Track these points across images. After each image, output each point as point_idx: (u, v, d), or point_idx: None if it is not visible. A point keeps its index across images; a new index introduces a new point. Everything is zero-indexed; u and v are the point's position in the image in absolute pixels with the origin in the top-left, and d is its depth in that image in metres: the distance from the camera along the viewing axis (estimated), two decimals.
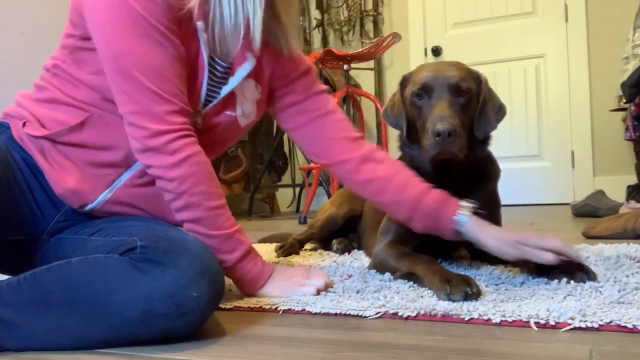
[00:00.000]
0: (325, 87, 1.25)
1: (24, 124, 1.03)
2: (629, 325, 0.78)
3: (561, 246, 1.04)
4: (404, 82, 1.29)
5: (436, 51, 3.87)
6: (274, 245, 1.84)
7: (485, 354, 0.72)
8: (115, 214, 1.06)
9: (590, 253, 1.37)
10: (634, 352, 0.70)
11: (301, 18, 4.14)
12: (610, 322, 0.79)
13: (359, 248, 1.68)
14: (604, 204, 2.50)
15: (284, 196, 4.18)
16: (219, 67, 1.09)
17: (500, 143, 3.42)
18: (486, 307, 0.89)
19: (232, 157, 3.75)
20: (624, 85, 2.60)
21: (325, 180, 3.21)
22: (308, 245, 1.84)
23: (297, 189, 4.04)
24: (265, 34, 1.05)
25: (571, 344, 0.74)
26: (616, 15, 3.35)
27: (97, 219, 1.05)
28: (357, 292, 1.06)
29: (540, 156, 3.65)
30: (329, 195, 2.85)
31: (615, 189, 3.00)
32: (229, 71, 1.10)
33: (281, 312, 0.99)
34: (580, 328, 0.79)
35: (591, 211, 2.53)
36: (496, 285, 1.06)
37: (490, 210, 1.29)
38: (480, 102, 1.19)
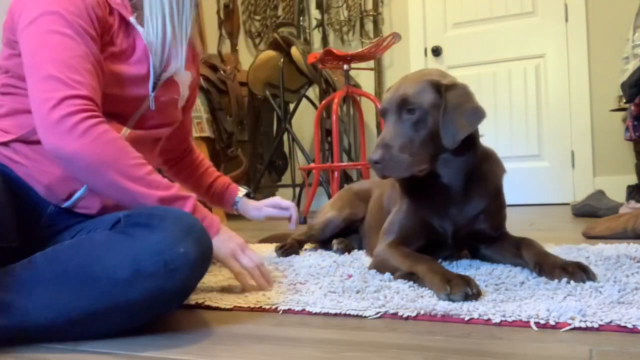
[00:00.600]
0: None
1: None
2: (629, 325, 0.78)
3: (288, 204, 1.55)
4: None
5: (436, 51, 3.87)
6: (274, 245, 1.84)
7: (485, 354, 0.72)
8: (103, 209, 1.08)
9: (590, 253, 1.37)
10: (634, 352, 0.70)
11: (301, 18, 4.14)
12: (610, 322, 0.79)
13: (359, 248, 1.68)
14: (604, 204, 2.50)
15: (284, 196, 4.13)
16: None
17: (500, 143, 3.43)
18: (486, 307, 0.89)
19: (232, 157, 3.74)
20: (624, 85, 2.60)
21: (325, 180, 3.21)
22: (308, 245, 1.84)
23: (297, 189, 4.04)
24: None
25: (571, 344, 0.74)
26: (616, 15, 3.35)
27: (81, 223, 1.07)
28: (357, 292, 1.06)
29: (540, 156, 3.66)
30: (329, 196, 2.85)
31: (615, 189, 3.00)
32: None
33: (281, 312, 0.99)
34: (580, 328, 0.79)
35: (591, 211, 2.53)
36: (496, 285, 1.06)
37: (493, 210, 1.29)
38: (441, 112, 1.17)
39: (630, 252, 1.36)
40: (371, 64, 3.73)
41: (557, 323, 0.81)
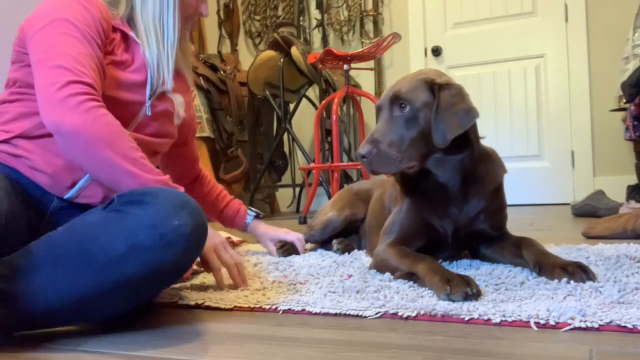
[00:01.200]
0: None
1: None
2: (629, 325, 0.78)
3: (292, 239, 1.66)
4: None
5: (436, 51, 3.87)
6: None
7: (485, 354, 0.72)
8: (105, 199, 1.10)
9: (590, 253, 1.37)
10: (634, 352, 0.70)
11: (301, 18, 4.14)
12: (610, 322, 0.79)
13: (359, 248, 1.69)
14: (604, 204, 2.50)
15: (284, 196, 4.18)
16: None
17: (500, 143, 3.42)
18: (486, 307, 0.89)
19: (232, 157, 3.74)
20: (624, 85, 2.60)
21: (325, 180, 3.21)
22: (308, 246, 1.84)
23: (297, 189, 4.04)
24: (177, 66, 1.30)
25: (571, 344, 0.74)
26: (616, 15, 3.35)
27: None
28: (357, 292, 1.06)
29: (540, 156, 3.65)
30: (329, 196, 2.85)
31: (615, 189, 3.00)
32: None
33: (281, 312, 0.99)
34: (580, 328, 0.79)
35: (591, 211, 2.53)
36: (496, 285, 1.06)
37: (494, 209, 1.29)
38: (434, 110, 1.18)
39: (630, 252, 1.36)
40: (371, 64, 3.74)
41: (557, 323, 0.81)
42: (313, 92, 3.95)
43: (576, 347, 0.73)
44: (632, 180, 2.98)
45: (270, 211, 3.97)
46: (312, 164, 3.14)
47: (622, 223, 1.76)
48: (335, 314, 0.95)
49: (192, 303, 1.07)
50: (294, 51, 3.37)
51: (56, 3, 1.11)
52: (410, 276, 1.13)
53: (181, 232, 0.89)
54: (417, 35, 3.93)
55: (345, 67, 2.89)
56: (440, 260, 1.29)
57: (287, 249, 1.65)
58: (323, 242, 1.78)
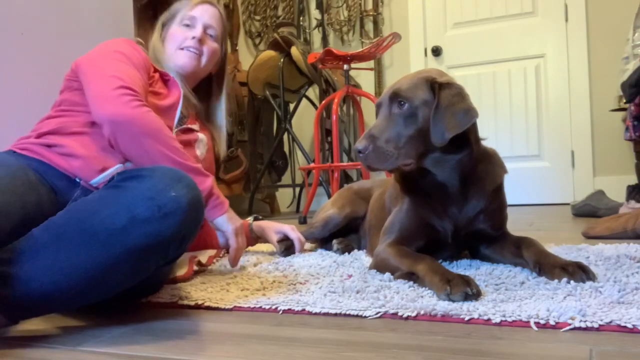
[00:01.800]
0: None
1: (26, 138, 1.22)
2: (629, 325, 0.78)
3: (294, 237, 1.64)
4: None
5: (436, 51, 3.87)
6: (273, 246, 1.84)
7: (485, 354, 0.72)
8: None
9: (590, 253, 1.37)
10: (634, 352, 0.70)
11: (301, 18, 4.14)
12: (610, 322, 0.79)
13: (359, 248, 1.68)
14: (604, 204, 2.50)
15: (284, 196, 4.18)
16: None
17: (500, 143, 3.43)
18: (486, 307, 0.89)
19: (232, 157, 3.74)
20: (624, 85, 2.60)
21: (325, 180, 3.21)
22: (308, 245, 1.84)
23: (297, 189, 4.04)
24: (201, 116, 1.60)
25: (571, 344, 0.74)
26: (616, 15, 3.35)
27: None
28: (357, 292, 1.06)
29: (540, 156, 3.66)
30: (329, 196, 2.85)
31: (615, 189, 3.00)
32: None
33: (281, 312, 0.99)
34: (580, 328, 0.79)
35: (591, 211, 2.53)
36: (496, 285, 1.06)
37: (494, 209, 1.29)
38: (433, 109, 1.18)
39: (630, 252, 1.36)
40: (371, 64, 3.74)
41: (557, 323, 0.81)
42: (313, 92, 3.95)
43: (576, 347, 0.73)
44: (632, 180, 2.98)
45: (270, 211, 3.97)
46: (312, 164, 3.14)
47: (622, 223, 1.76)
48: (335, 314, 0.95)
49: (192, 303, 1.07)
50: (294, 51, 3.37)
51: (109, 42, 1.35)
52: (410, 276, 1.13)
53: (178, 203, 0.92)
54: (417, 35, 3.93)
55: (345, 67, 2.89)
56: (440, 260, 1.29)
57: (286, 244, 1.65)
58: (323, 241, 1.77)
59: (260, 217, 1.75)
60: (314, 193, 2.99)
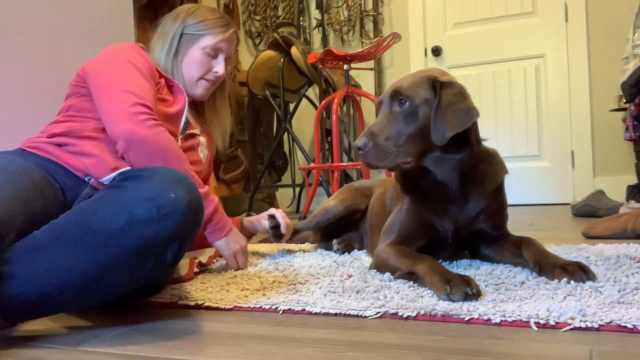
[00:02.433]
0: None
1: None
2: (629, 325, 0.78)
3: (276, 213, 1.62)
4: None
5: (436, 51, 3.87)
6: (274, 246, 1.84)
7: (485, 354, 0.72)
8: None
9: (590, 253, 1.37)
10: (634, 352, 0.70)
11: (301, 18, 4.14)
12: (610, 322, 0.79)
13: (359, 248, 1.68)
14: (604, 204, 2.50)
15: (284, 196, 4.18)
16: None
17: (500, 143, 3.42)
18: (486, 307, 0.89)
19: (232, 157, 3.74)
20: (624, 85, 2.60)
21: (325, 180, 3.21)
22: (308, 246, 1.84)
23: (297, 189, 4.04)
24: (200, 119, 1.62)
25: (571, 344, 0.74)
26: (616, 15, 3.35)
27: None
28: (357, 292, 1.06)
29: (540, 156, 3.66)
30: (329, 195, 2.85)
31: (615, 189, 3.00)
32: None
33: (281, 312, 0.99)
34: (580, 328, 0.79)
35: (591, 211, 2.53)
36: (496, 285, 1.06)
37: (494, 209, 1.29)
38: (434, 108, 1.18)
39: (630, 252, 1.36)
40: (371, 64, 3.73)
41: (557, 323, 0.81)
42: (313, 92, 3.95)
43: (576, 347, 0.73)
44: (632, 180, 2.98)
45: None
46: (312, 164, 3.14)
47: (622, 223, 1.76)
48: (335, 314, 0.95)
49: (192, 303, 1.07)
50: (294, 51, 3.37)
51: (116, 49, 1.36)
52: (411, 276, 1.13)
53: (177, 204, 0.92)
54: (417, 35, 3.93)
55: (345, 67, 2.89)
56: (440, 260, 1.29)
57: (274, 221, 1.62)
58: (322, 232, 1.77)
59: (253, 214, 1.74)
60: (314, 193, 2.99)
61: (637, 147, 2.92)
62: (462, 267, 1.27)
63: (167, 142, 1.24)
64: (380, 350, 0.75)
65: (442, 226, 1.27)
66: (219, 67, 1.53)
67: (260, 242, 2.00)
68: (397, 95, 1.20)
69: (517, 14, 3.68)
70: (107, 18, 2.28)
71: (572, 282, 1.02)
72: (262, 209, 3.93)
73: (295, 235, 1.73)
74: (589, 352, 0.70)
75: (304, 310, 0.98)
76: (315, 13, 4.14)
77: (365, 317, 0.93)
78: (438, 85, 1.19)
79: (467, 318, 0.87)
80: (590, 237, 1.80)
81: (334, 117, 2.80)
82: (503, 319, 0.85)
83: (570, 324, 0.80)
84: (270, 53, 3.54)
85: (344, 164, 2.91)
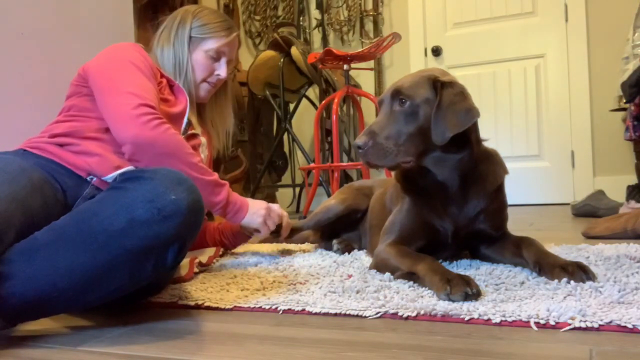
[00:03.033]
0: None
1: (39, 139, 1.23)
2: (629, 325, 0.78)
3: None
4: None
5: (436, 51, 3.87)
6: (274, 246, 1.84)
7: (485, 354, 0.72)
8: None
9: (590, 253, 1.37)
10: (634, 352, 0.70)
11: (301, 18, 4.14)
12: (610, 322, 0.79)
13: (359, 248, 1.68)
14: (604, 204, 2.50)
15: (284, 196, 4.18)
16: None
17: (500, 143, 3.43)
18: (486, 307, 0.89)
19: (232, 157, 3.74)
20: (624, 85, 2.60)
21: (325, 180, 3.21)
22: (308, 246, 1.84)
23: (297, 189, 4.04)
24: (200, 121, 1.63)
25: (571, 344, 0.74)
26: (616, 15, 3.35)
27: None
28: (357, 292, 1.06)
29: (540, 156, 3.66)
30: (329, 195, 2.85)
31: (615, 189, 3.00)
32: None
33: (281, 312, 0.99)
34: (580, 328, 0.79)
35: (591, 211, 2.53)
36: (496, 285, 1.06)
37: (494, 210, 1.29)
38: (435, 107, 1.17)
39: (630, 252, 1.36)
40: (371, 64, 3.73)
41: (557, 323, 0.81)
42: (313, 92, 3.95)
43: (576, 347, 0.73)
44: (632, 180, 2.98)
45: None
46: (312, 164, 3.14)
47: (622, 223, 1.76)
48: (335, 314, 0.95)
49: (192, 303, 1.07)
50: (294, 51, 3.37)
51: (118, 49, 1.36)
52: (411, 276, 1.12)
53: (178, 206, 0.92)
54: (417, 35, 3.93)
55: (345, 67, 2.89)
56: (440, 260, 1.29)
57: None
58: (321, 231, 1.77)
59: None
60: (314, 193, 2.99)
61: (637, 147, 2.92)
62: (462, 267, 1.27)
63: (173, 140, 1.24)
64: (380, 350, 0.75)
65: (442, 226, 1.28)
66: (222, 70, 1.54)
67: (260, 242, 2.00)
68: (397, 94, 1.20)
69: (517, 14, 3.68)
70: (107, 18, 2.28)
71: (572, 282, 1.02)
72: None
73: (294, 234, 1.73)
74: (589, 352, 0.70)
75: (304, 310, 0.98)
76: (315, 13, 4.14)
77: (365, 317, 0.93)
78: (439, 85, 1.19)
79: (467, 318, 0.87)
80: (590, 237, 1.80)
81: (334, 117, 2.80)
82: (503, 319, 0.85)
83: (570, 324, 0.80)
84: (270, 53, 3.54)
85: (344, 164, 2.91)
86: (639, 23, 2.71)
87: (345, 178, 3.70)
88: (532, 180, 3.62)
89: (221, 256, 1.64)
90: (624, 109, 2.97)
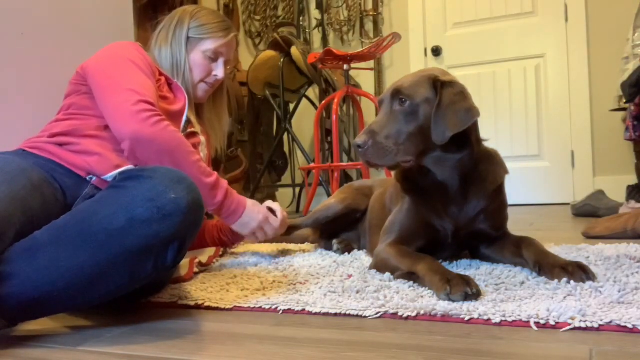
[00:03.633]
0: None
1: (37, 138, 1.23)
2: (629, 325, 0.78)
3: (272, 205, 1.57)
4: None
5: (436, 51, 3.87)
6: (274, 246, 1.84)
7: (485, 354, 0.72)
8: None
9: (590, 253, 1.37)
10: (634, 352, 0.70)
11: (301, 18, 4.14)
12: (610, 322, 0.79)
13: (359, 248, 1.68)
14: (604, 204, 2.50)
15: (284, 196, 4.18)
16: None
17: (500, 143, 3.42)
18: (486, 307, 0.89)
19: (232, 157, 3.74)
20: (624, 85, 2.60)
21: (325, 180, 3.21)
22: (308, 246, 1.84)
23: (297, 189, 4.04)
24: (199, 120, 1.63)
25: (571, 344, 0.74)
26: (616, 15, 3.35)
27: None
28: (357, 292, 1.06)
29: (540, 156, 3.66)
30: (329, 195, 2.85)
31: (615, 189, 3.00)
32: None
33: (281, 312, 0.99)
34: (580, 328, 0.79)
35: (591, 211, 2.53)
36: (496, 285, 1.06)
37: (494, 210, 1.29)
38: (435, 107, 1.17)
39: (630, 252, 1.36)
40: (371, 64, 3.73)
41: (557, 323, 0.81)
42: (313, 92, 3.95)
43: (576, 347, 0.73)
44: (632, 180, 2.98)
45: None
46: (312, 164, 3.14)
47: (622, 223, 1.76)
48: (335, 314, 0.95)
49: (192, 303, 1.07)
50: (294, 51, 3.37)
51: (116, 47, 1.36)
52: (411, 276, 1.13)
53: (178, 205, 0.92)
54: (417, 35, 3.93)
55: (345, 67, 2.89)
56: (440, 260, 1.29)
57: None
58: (321, 230, 1.77)
59: None
60: (314, 193, 2.99)
61: (637, 147, 2.92)
62: (462, 267, 1.27)
63: (172, 137, 1.23)
64: (380, 350, 0.75)
65: (442, 226, 1.28)
66: (219, 71, 1.54)
67: (261, 242, 2.00)
68: (398, 94, 1.20)
69: (517, 14, 3.68)
70: (107, 18, 2.28)
71: (572, 282, 1.02)
72: None
73: (293, 231, 1.73)
74: (589, 352, 0.70)
75: (304, 310, 0.98)
76: (315, 13, 4.14)
77: (365, 317, 0.93)
78: (439, 85, 1.19)
79: (467, 318, 0.87)
80: (590, 237, 1.80)
81: (334, 117, 2.80)
82: (503, 319, 0.85)
83: (570, 324, 0.80)
84: (270, 53, 3.54)
85: (344, 164, 2.91)
86: (639, 23, 2.71)
87: (345, 178, 3.69)
88: (532, 180, 3.62)
89: (221, 256, 1.64)
90: (624, 109, 2.97)
